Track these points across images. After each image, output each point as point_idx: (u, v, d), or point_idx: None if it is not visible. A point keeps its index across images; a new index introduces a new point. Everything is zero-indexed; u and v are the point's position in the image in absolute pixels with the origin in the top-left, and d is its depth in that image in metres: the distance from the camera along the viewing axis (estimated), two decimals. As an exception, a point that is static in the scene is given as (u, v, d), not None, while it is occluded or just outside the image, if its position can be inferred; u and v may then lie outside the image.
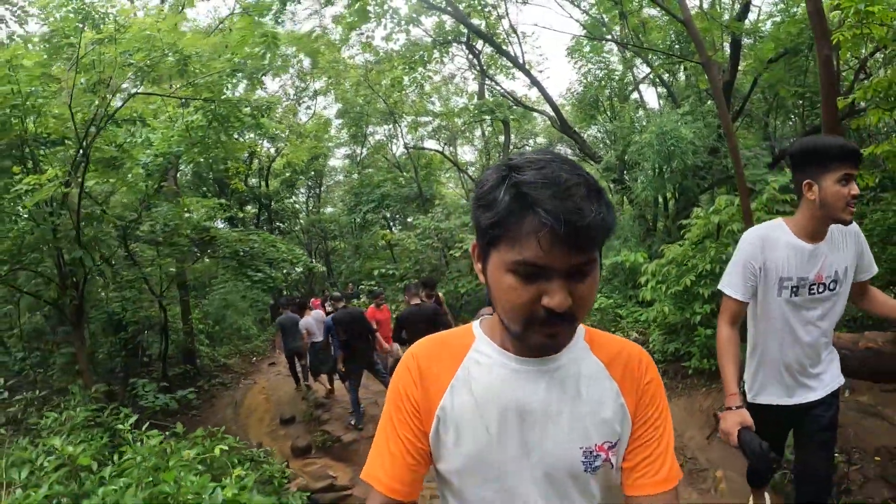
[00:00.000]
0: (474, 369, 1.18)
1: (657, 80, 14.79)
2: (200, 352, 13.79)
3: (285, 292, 14.09)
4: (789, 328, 2.50)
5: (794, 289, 2.44)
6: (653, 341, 7.61)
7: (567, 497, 1.17)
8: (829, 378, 2.57)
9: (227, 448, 4.13)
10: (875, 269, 2.54)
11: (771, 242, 2.43)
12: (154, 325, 12.25)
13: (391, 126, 24.20)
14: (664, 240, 9.65)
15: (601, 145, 16.70)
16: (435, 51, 15.34)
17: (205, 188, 20.98)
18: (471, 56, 17.09)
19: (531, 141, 25.30)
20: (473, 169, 26.69)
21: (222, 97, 6.89)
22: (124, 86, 6.48)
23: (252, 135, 8.52)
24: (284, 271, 11.98)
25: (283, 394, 11.53)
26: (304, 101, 24.93)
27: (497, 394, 1.15)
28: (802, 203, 2.39)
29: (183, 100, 7.16)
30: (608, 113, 15.38)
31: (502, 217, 1.00)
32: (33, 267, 7.80)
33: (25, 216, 6.97)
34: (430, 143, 25.72)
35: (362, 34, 15.89)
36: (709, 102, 10.91)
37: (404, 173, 23.54)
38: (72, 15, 6.35)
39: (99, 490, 3.03)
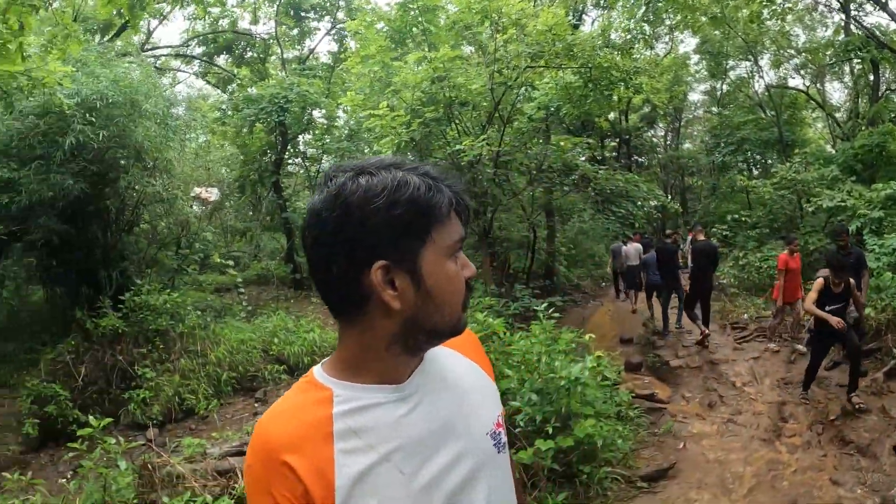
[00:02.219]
0: (353, 421, 1.01)
1: None
2: (559, 271, 15.95)
3: (637, 226, 14.86)
4: None
5: None
6: None
7: (499, 483, 1.13)
8: None
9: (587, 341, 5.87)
10: None
11: None
12: (523, 244, 14.74)
13: (751, 63, 22.64)
14: None
15: None
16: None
17: (567, 124, 22.82)
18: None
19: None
20: (842, 111, 23.66)
21: (595, 63, 8.32)
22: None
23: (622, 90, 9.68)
24: (645, 209, 13.03)
25: (626, 318, 12.98)
26: (661, 37, 24.24)
27: (390, 432, 1.02)
28: None
29: (561, 67, 8.82)
30: None
31: (426, 199, 0.98)
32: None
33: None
34: (795, 81, 23.24)
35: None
36: None
37: (767, 113, 22.05)
38: (474, 9, 8.60)
39: (519, 342, 4.98)
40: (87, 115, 8.21)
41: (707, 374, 8.31)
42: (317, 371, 1.09)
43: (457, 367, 1.17)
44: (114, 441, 4.44)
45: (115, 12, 6.18)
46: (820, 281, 6.10)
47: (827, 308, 5.94)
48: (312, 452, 0.99)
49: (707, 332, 9.27)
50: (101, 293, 9.78)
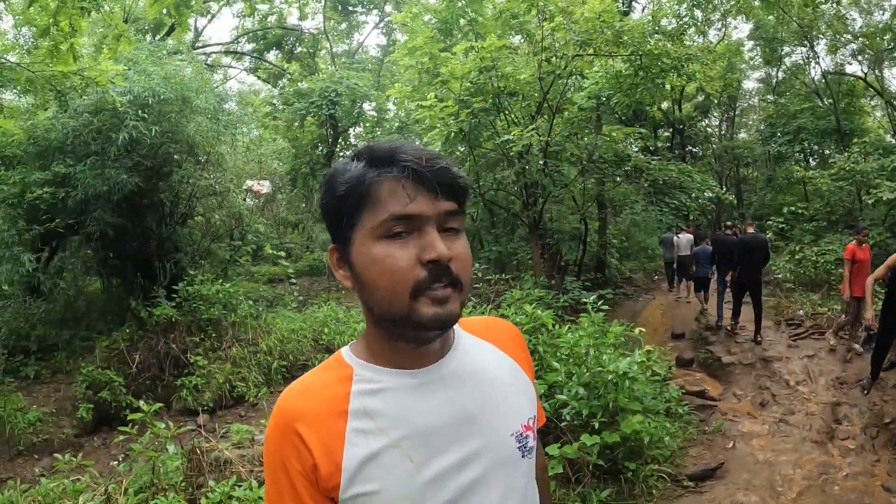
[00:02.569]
0: (368, 401, 1.01)
1: None
2: (610, 263, 15.73)
3: (692, 217, 14.61)
4: None
5: None
6: None
7: (518, 489, 1.09)
8: None
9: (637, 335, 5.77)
10: None
11: None
12: (574, 236, 14.58)
13: (806, 49, 21.73)
14: None
15: None
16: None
17: (619, 114, 22.43)
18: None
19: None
20: None
21: (646, 51, 8.14)
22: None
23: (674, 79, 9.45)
24: (700, 200, 12.74)
25: (679, 312, 12.74)
26: (713, 23, 23.49)
27: (405, 419, 1.00)
28: None
29: (610, 56, 8.65)
30: None
31: (357, 181, 0.95)
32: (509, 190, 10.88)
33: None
34: (852, 67, 22.02)
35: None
36: None
37: (823, 101, 21.20)
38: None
39: (567, 335, 4.96)
40: (140, 111, 8.43)
41: (760, 371, 8.09)
42: (344, 350, 1.10)
43: (491, 362, 1.13)
44: (163, 426, 4.54)
45: (164, 12, 6.32)
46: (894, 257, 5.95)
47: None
48: (325, 427, 1.00)
49: (735, 325, 9.53)
50: (156, 284, 10.06)
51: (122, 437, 5.03)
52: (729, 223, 14.29)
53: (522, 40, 8.91)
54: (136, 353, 9.25)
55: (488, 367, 1.11)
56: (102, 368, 8.71)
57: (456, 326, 1.12)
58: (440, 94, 9.53)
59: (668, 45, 8.47)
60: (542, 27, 7.95)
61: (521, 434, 1.09)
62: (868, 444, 5.28)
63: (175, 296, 9.62)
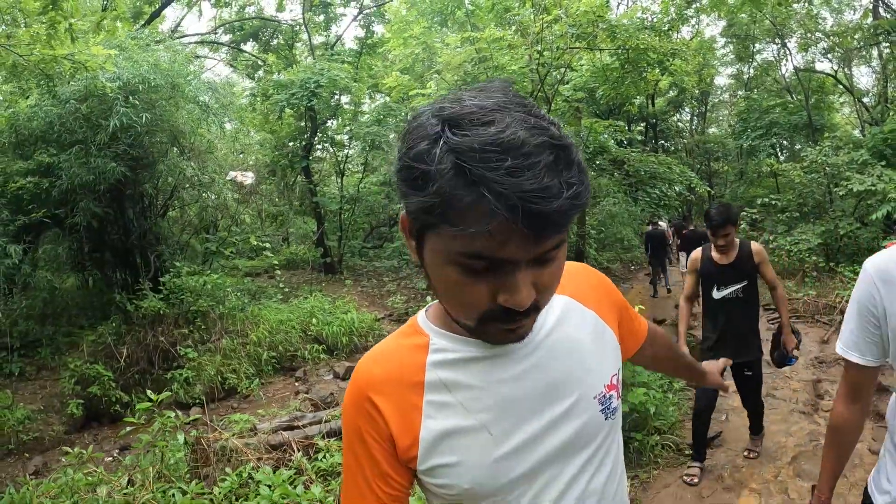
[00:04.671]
0: (444, 373, 0.97)
1: None
2: (589, 254, 15.97)
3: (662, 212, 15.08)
4: None
5: None
6: None
7: (603, 453, 1.04)
8: None
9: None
10: None
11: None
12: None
13: (778, 46, 22.46)
14: None
15: None
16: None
17: (596, 107, 22.77)
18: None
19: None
20: (870, 95, 23.26)
21: (633, 45, 8.34)
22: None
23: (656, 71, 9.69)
24: (677, 190, 13.06)
25: (658, 300, 13.05)
26: (686, 19, 24.19)
27: (484, 391, 0.96)
28: None
29: (600, 49, 8.85)
30: None
31: (438, 198, 0.74)
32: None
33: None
34: (823, 65, 22.94)
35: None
36: None
37: (794, 97, 21.91)
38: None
39: None
40: (130, 98, 8.34)
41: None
42: (420, 316, 1.05)
43: (573, 321, 1.04)
44: (173, 414, 4.54)
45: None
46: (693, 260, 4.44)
47: None
48: (401, 397, 0.97)
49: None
50: (139, 276, 9.97)
51: (127, 430, 4.95)
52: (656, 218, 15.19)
53: (514, 32, 9.04)
54: (124, 346, 9.13)
55: (570, 327, 1.03)
56: (90, 363, 8.59)
57: None
58: (436, 82, 9.64)
59: (655, 41, 8.69)
60: (539, 20, 8.11)
61: (604, 395, 1.02)
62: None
63: (162, 288, 9.55)
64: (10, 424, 7.46)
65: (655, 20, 9.39)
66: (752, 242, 4.29)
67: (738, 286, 4.21)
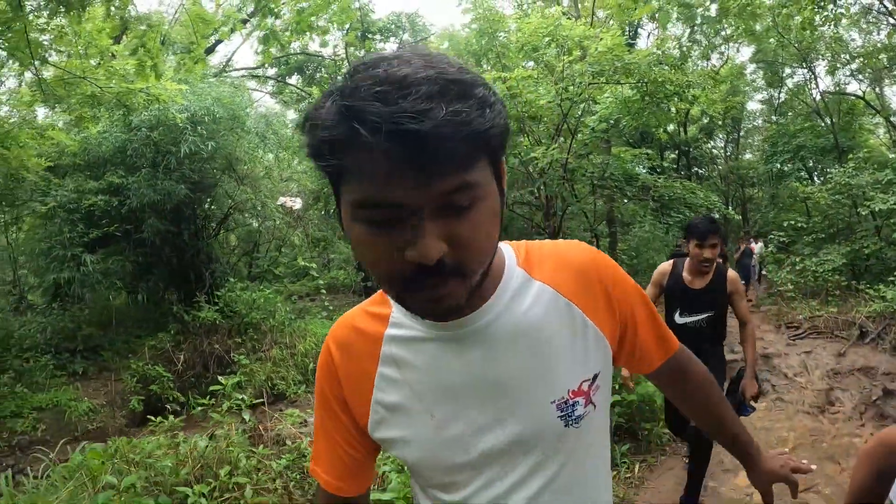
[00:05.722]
0: (397, 349, 0.95)
1: None
2: (621, 280, 16.33)
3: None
4: None
5: None
6: None
7: (551, 462, 0.95)
8: None
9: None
10: None
11: None
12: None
13: (806, 70, 22.44)
14: None
15: None
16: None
17: (627, 136, 23.18)
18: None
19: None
20: None
21: (650, 78, 8.99)
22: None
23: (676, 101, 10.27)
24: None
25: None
26: (716, 47, 24.57)
27: (429, 374, 0.93)
28: None
29: (619, 83, 9.52)
30: None
31: (326, 146, 0.71)
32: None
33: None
34: (853, 86, 22.96)
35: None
36: None
37: (824, 120, 21.89)
38: (542, 33, 9.59)
39: None
40: (197, 128, 9.30)
41: (761, 366, 8.71)
42: None
43: (546, 316, 0.95)
44: (242, 396, 5.21)
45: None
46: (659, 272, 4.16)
47: None
48: (358, 365, 0.98)
49: None
50: (197, 289, 10.85)
51: (198, 410, 5.63)
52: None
53: (542, 69, 9.82)
54: (181, 352, 10.00)
55: (538, 319, 0.94)
56: (151, 365, 9.44)
57: (511, 261, 0.98)
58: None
59: (670, 73, 9.34)
60: (562, 60, 8.90)
61: (566, 401, 0.94)
62: (856, 416, 5.96)
63: (217, 301, 10.40)
64: (77, 414, 8.32)
65: (665, 55, 10.06)
66: (729, 270, 3.80)
67: (706, 315, 3.69)
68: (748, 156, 30.43)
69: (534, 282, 0.96)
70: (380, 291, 1.00)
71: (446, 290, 0.77)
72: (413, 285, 0.76)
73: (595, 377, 0.97)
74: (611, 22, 14.17)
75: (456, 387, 0.92)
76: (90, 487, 3.12)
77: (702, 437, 3.63)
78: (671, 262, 3.92)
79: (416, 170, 0.68)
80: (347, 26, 20.86)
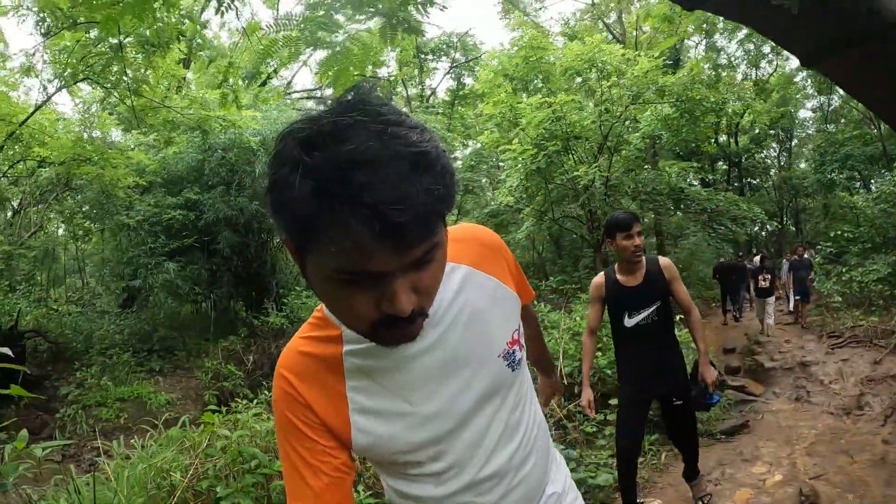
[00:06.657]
0: (361, 360, 1.02)
1: None
2: (669, 291, 16.56)
3: (753, 249, 15.44)
4: None
5: None
6: None
7: (507, 401, 1.12)
8: None
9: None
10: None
11: None
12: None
13: None
14: None
15: None
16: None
17: (677, 150, 23.32)
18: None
19: None
20: None
21: (687, 97, 9.53)
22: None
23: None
24: (748, 229, 13.51)
25: (732, 331, 13.65)
26: (765, 56, 24.42)
27: (398, 369, 1.02)
28: None
29: (657, 103, 10.04)
30: None
31: (301, 222, 0.75)
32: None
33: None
34: None
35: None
36: None
37: (874, 127, 21.32)
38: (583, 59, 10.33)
39: None
40: (268, 150, 10.20)
41: (798, 374, 8.95)
42: (325, 309, 1.04)
43: (474, 290, 1.09)
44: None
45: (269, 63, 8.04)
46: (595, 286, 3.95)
47: None
48: (324, 386, 1.02)
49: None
50: (264, 297, 11.77)
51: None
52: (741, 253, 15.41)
53: (584, 92, 10.51)
54: (251, 353, 10.89)
55: (470, 296, 1.08)
56: (223, 364, 10.30)
57: None
58: (520, 138, 11.17)
59: (706, 92, 9.86)
60: (601, 84, 9.57)
61: (507, 352, 1.10)
62: (880, 418, 6.28)
63: (284, 308, 11.28)
64: (155, 405, 9.16)
65: (697, 77, 10.54)
66: (660, 257, 3.70)
67: (652, 309, 3.56)
68: (802, 165, 29.95)
69: (458, 266, 1.08)
70: (311, 319, 1.08)
71: (414, 328, 0.87)
72: (384, 327, 0.84)
73: (519, 326, 1.16)
74: (656, 36, 14.64)
75: (423, 371, 1.02)
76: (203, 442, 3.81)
77: (688, 415, 3.75)
78: (601, 274, 3.81)
79: (394, 243, 0.73)
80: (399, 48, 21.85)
